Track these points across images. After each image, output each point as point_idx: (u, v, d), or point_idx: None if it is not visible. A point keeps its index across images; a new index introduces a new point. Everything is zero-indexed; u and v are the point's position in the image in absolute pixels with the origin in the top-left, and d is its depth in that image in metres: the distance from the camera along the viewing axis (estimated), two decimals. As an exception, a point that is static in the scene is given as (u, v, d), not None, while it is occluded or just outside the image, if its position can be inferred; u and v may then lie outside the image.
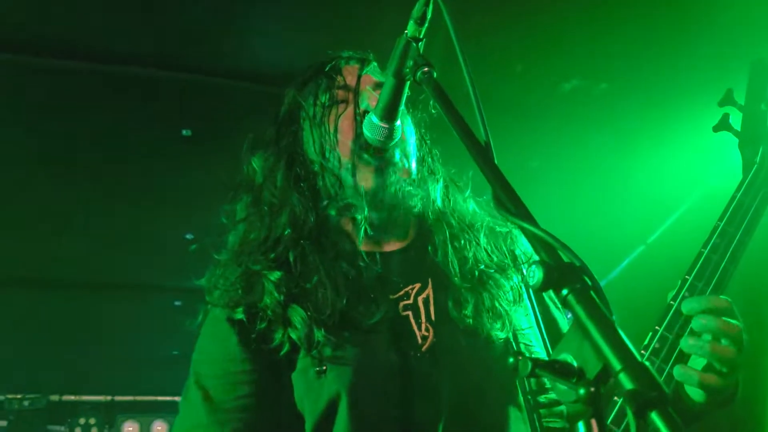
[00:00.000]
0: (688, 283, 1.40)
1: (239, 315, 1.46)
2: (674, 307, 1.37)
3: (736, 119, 1.64)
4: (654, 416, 0.66)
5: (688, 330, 1.32)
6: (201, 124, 3.67)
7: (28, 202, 4.08)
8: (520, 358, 0.75)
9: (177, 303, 4.58)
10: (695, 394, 1.34)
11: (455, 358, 1.44)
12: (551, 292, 1.66)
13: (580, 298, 0.78)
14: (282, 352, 1.42)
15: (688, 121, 3.67)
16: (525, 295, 1.58)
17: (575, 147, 4.10)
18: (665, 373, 1.34)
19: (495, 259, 1.60)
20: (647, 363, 0.70)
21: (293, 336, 1.41)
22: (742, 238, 1.44)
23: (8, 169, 3.82)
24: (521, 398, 1.45)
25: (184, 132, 3.68)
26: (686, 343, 1.30)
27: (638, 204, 4.43)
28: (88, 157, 3.84)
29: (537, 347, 1.51)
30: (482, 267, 1.56)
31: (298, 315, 1.42)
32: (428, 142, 1.71)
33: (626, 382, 0.69)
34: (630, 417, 0.68)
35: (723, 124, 1.60)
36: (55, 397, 5.58)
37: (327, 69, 1.62)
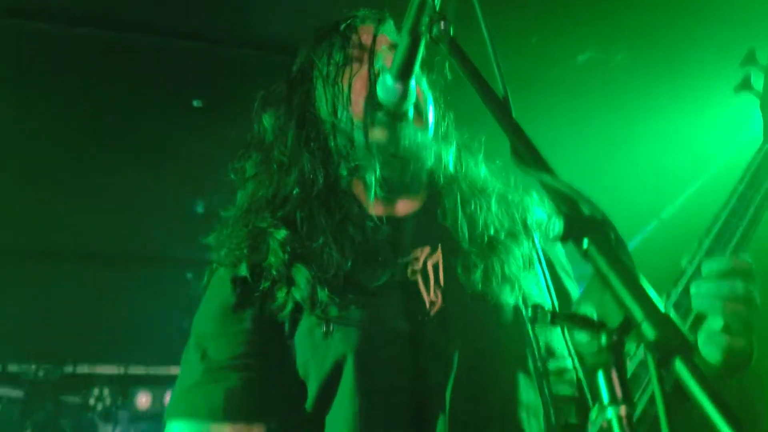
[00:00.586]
0: (706, 246, 1.36)
1: (243, 271, 1.44)
2: (690, 270, 1.33)
3: (759, 80, 1.60)
4: (678, 365, 0.64)
5: (702, 289, 1.29)
6: (212, 94, 3.65)
7: (39, 173, 4.09)
8: (539, 309, 0.74)
9: (189, 275, 4.60)
10: (712, 356, 1.31)
11: (464, 323, 1.43)
12: (563, 262, 1.66)
13: (601, 250, 0.76)
14: (285, 312, 1.41)
15: (706, 92, 3.62)
16: (536, 262, 1.56)
17: (590, 119, 4.05)
18: None
19: (506, 224, 1.58)
20: (670, 312, 0.68)
21: (297, 296, 1.40)
22: (762, 202, 1.39)
23: (17, 139, 3.82)
24: (530, 365, 1.44)
25: (194, 102, 3.66)
26: (699, 302, 1.27)
27: (655, 177, 4.38)
28: (99, 128, 3.84)
29: None
30: (492, 232, 1.54)
31: (302, 274, 1.41)
32: (442, 105, 1.68)
33: (649, 333, 0.67)
34: (651, 367, 0.67)
35: (744, 84, 1.56)
36: (69, 368, 5.64)
37: (342, 28, 1.60)
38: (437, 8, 1.27)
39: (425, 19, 1.26)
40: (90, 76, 3.45)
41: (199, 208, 4.38)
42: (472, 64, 1.11)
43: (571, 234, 0.77)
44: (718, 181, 4.31)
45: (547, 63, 3.74)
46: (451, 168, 1.62)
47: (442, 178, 1.61)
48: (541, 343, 1.45)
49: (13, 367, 5.48)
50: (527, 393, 1.41)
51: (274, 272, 1.42)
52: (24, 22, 3.05)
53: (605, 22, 3.48)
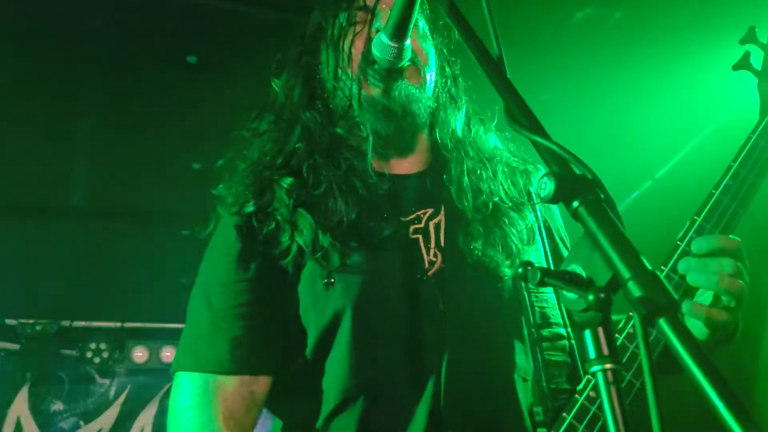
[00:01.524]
0: (697, 223, 1.39)
1: (249, 208, 1.48)
2: (681, 248, 1.37)
3: (758, 58, 1.60)
4: (662, 322, 0.66)
5: (692, 265, 1.32)
6: (206, 50, 3.62)
7: (34, 129, 4.06)
8: (529, 267, 0.75)
9: (184, 232, 4.61)
10: (698, 331, 1.35)
11: (461, 287, 1.46)
12: (561, 230, 1.69)
13: (591, 209, 0.77)
14: (288, 258, 1.44)
15: (705, 52, 3.59)
16: (537, 234, 1.59)
17: (586, 79, 4.02)
18: None
19: (511, 194, 1.60)
20: (657, 272, 0.70)
21: (299, 240, 1.43)
22: (755, 180, 1.42)
23: (14, 96, 3.79)
24: (525, 331, 1.47)
25: (189, 58, 3.62)
26: (693, 276, 1.30)
27: (650, 137, 4.38)
28: (93, 84, 3.81)
29: None
30: (497, 200, 1.56)
31: (305, 219, 1.44)
32: (453, 70, 1.70)
33: (635, 290, 0.69)
34: (637, 324, 0.69)
35: (743, 63, 1.56)
36: (66, 323, 5.68)
37: None
38: (433, -32, 1.26)
39: (421, -22, 1.25)
40: (82, 33, 3.40)
41: (195, 165, 4.37)
42: (468, 24, 1.11)
43: (561, 194, 0.79)
44: (712, 142, 4.32)
45: (543, 20, 3.71)
46: (459, 133, 1.64)
47: (449, 142, 1.62)
48: (537, 311, 1.48)
49: (10, 321, 5.53)
50: (520, 358, 1.44)
51: (279, 216, 1.45)
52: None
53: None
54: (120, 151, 4.30)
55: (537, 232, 1.60)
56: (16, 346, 5.54)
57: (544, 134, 0.89)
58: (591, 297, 0.71)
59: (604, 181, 0.83)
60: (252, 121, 1.66)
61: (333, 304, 1.39)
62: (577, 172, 0.83)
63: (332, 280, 1.41)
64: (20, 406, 5.51)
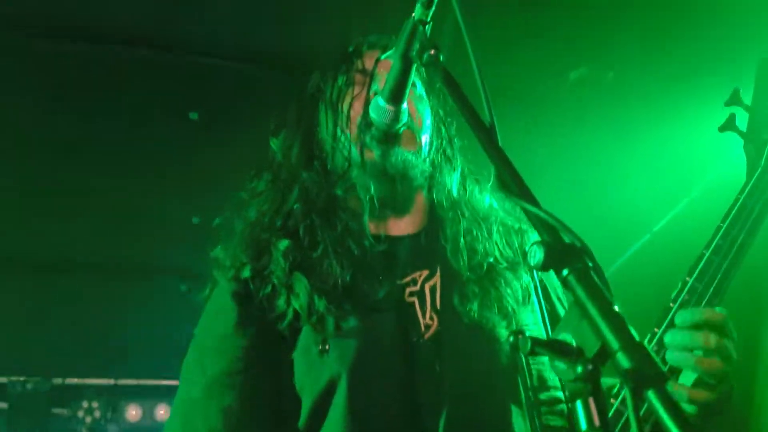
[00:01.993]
0: (689, 285, 1.38)
1: (246, 273, 1.48)
2: (674, 310, 1.35)
3: (742, 119, 1.62)
4: (650, 395, 0.66)
5: (675, 340, 1.30)
6: (208, 107, 3.68)
7: (34, 184, 4.09)
8: (520, 336, 0.76)
9: (182, 287, 4.60)
10: (686, 407, 1.34)
11: (458, 349, 1.45)
12: (558, 290, 1.69)
13: (580, 278, 0.78)
14: (285, 323, 1.43)
15: (696, 110, 3.66)
16: (533, 294, 1.58)
17: (581, 135, 4.08)
18: None
19: (506, 254, 1.60)
20: (645, 343, 0.70)
21: (295, 305, 1.42)
22: (745, 240, 1.42)
23: (12, 150, 3.83)
24: (522, 395, 1.46)
25: (191, 115, 3.69)
26: (673, 355, 1.28)
27: (646, 192, 4.42)
28: (95, 140, 3.86)
29: None
30: (492, 260, 1.56)
31: (301, 283, 1.44)
32: (449, 131, 1.72)
33: (623, 361, 0.69)
34: (627, 396, 0.69)
35: (729, 125, 1.58)
36: (58, 380, 5.60)
37: (349, 53, 1.66)
38: (428, 35, 1.30)
39: (416, 45, 1.29)
40: (88, 89, 3.47)
41: (195, 220, 4.39)
42: (461, 91, 1.14)
43: (551, 262, 0.80)
44: (709, 196, 4.35)
45: (538, 79, 3.78)
46: (454, 193, 1.65)
47: (444, 202, 1.64)
48: (534, 374, 1.47)
49: (1, 379, 5.44)
50: (518, 422, 1.42)
51: (275, 279, 1.45)
52: (23, 39, 3.07)
53: (597, 39, 3.52)
54: (118, 206, 4.32)
55: (533, 293, 1.59)
56: (4, 405, 5.44)
57: (534, 202, 0.91)
58: (579, 368, 0.71)
59: (602, 236, 0.84)
60: (250, 180, 1.68)
61: (328, 371, 1.38)
62: (567, 240, 0.84)
63: (327, 347, 1.40)
64: (9, 466, 5.39)
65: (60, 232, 4.46)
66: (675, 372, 1.33)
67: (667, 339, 1.30)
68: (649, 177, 4.31)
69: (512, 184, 0.95)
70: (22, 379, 5.42)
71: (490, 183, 1.69)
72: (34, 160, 3.94)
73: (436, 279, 1.53)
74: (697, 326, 1.28)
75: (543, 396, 1.45)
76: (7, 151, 3.83)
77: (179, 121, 3.76)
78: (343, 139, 1.57)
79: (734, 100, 1.59)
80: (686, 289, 1.37)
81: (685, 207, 4.57)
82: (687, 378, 1.31)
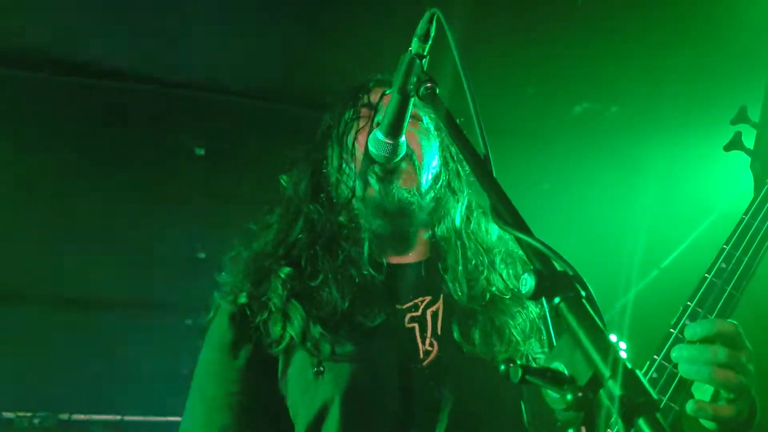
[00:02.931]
0: (690, 309, 1.32)
1: (242, 299, 1.50)
2: (674, 335, 1.30)
3: (749, 137, 1.58)
4: (641, 422, 0.66)
5: (684, 353, 1.25)
6: (214, 143, 3.73)
7: (38, 218, 4.13)
8: (512, 365, 0.75)
9: (188, 322, 4.59)
10: (706, 424, 1.29)
11: (457, 377, 1.44)
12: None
13: (572, 306, 0.78)
14: (280, 348, 1.44)
15: (701, 142, 3.66)
16: (542, 325, 1.57)
17: (586, 169, 4.10)
18: (663, 404, 1.26)
19: (511, 285, 1.60)
20: (636, 370, 0.70)
21: (291, 331, 1.44)
22: (750, 262, 1.35)
23: (17, 187, 3.87)
24: (527, 424, 1.44)
25: (197, 151, 3.73)
26: (686, 368, 1.24)
27: (652, 227, 4.40)
28: (101, 176, 3.90)
29: None
30: (495, 291, 1.56)
31: (297, 310, 1.46)
32: (456, 164, 1.73)
33: (614, 388, 0.69)
34: (619, 423, 0.68)
35: (735, 143, 1.52)
36: (64, 416, 5.58)
37: (356, 88, 1.70)
38: (425, 69, 1.32)
39: (413, 79, 1.31)
40: (93, 125, 3.53)
41: (201, 255, 4.41)
42: (456, 124, 1.15)
43: (542, 290, 0.80)
44: (716, 230, 4.33)
45: (543, 114, 3.81)
46: (458, 224, 1.66)
47: (448, 233, 1.64)
48: (537, 403, 1.45)
49: (7, 414, 5.44)
50: None
51: (272, 306, 1.47)
52: (30, 74, 3.14)
53: (601, 74, 3.56)
54: (123, 241, 4.35)
55: (542, 324, 1.58)
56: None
57: (527, 231, 0.91)
58: (569, 397, 0.71)
59: (607, 271, 0.84)
60: (264, 215, 1.72)
61: (322, 394, 1.38)
62: (559, 268, 0.84)
63: (322, 369, 1.40)
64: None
65: (68, 269, 4.48)
66: (685, 385, 1.27)
67: (673, 354, 1.26)
68: (656, 211, 4.30)
69: (506, 214, 0.95)
70: (29, 414, 5.41)
71: None
72: (33, 194, 3.97)
73: (439, 305, 1.53)
74: (707, 339, 1.24)
75: (548, 426, 1.43)
76: (10, 188, 3.87)
77: (186, 157, 3.80)
78: (347, 171, 1.60)
79: (741, 117, 1.54)
80: (687, 314, 1.32)
81: (696, 239, 4.54)
82: (703, 393, 1.26)
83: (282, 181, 1.74)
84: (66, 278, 4.57)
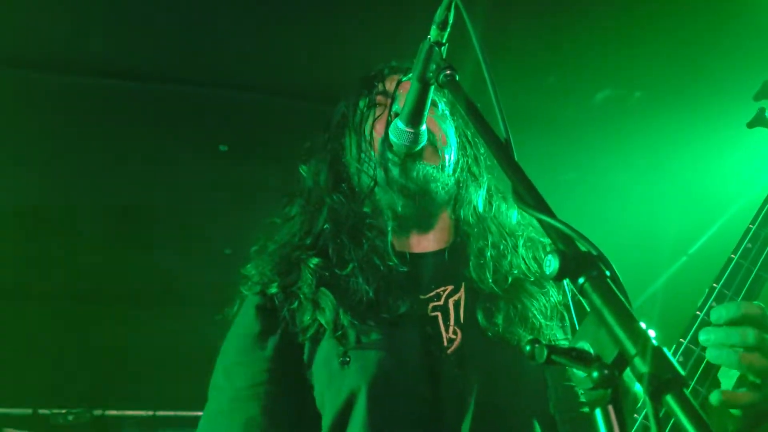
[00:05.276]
0: (716, 291, 1.29)
1: (272, 290, 1.52)
2: (700, 318, 1.28)
3: None
4: (669, 399, 0.65)
5: (712, 337, 1.23)
6: (238, 139, 3.76)
7: (70, 215, 4.19)
8: (537, 345, 0.75)
9: (218, 317, 4.64)
10: (733, 411, 1.27)
11: (481, 364, 1.44)
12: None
13: (596, 286, 0.78)
14: (307, 336, 1.46)
15: (728, 126, 3.61)
16: (564, 310, 1.57)
17: (610, 158, 4.05)
18: (690, 389, 1.24)
19: (533, 269, 1.60)
20: (663, 348, 0.70)
21: (321, 320, 1.45)
22: None
23: (45, 188, 3.94)
24: (552, 409, 1.44)
25: (221, 147, 3.77)
26: (713, 353, 1.22)
27: (677, 214, 4.34)
28: (127, 173, 3.95)
29: None
30: (517, 274, 1.56)
31: (327, 298, 1.47)
32: (475, 150, 1.74)
33: (641, 366, 0.68)
34: (647, 401, 0.68)
35: (758, 120, 1.49)
36: (98, 412, 5.69)
37: (370, 77, 1.72)
38: (444, 56, 1.32)
39: (432, 67, 1.32)
40: (118, 125, 3.57)
41: (227, 251, 4.44)
42: (476, 109, 1.15)
43: (566, 270, 0.80)
44: (745, 215, 4.25)
45: (564, 102, 3.78)
46: (480, 209, 1.67)
47: (471, 218, 1.65)
48: (563, 389, 1.45)
49: (43, 411, 5.56)
50: None
51: (302, 295, 1.49)
52: (54, 76, 3.19)
53: (623, 59, 3.51)
54: (153, 238, 4.40)
55: (563, 309, 1.58)
56: (50, 437, 5.56)
57: (550, 212, 0.91)
58: (596, 374, 0.71)
59: (634, 260, 0.83)
60: (283, 207, 1.74)
61: (348, 384, 1.39)
62: (583, 249, 0.84)
63: (348, 359, 1.41)
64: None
65: (99, 265, 4.55)
66: (712, 369, 1.25)
67: (701, 337, 1.24)
68: (682, 198, 4.24)
69: (528, 197, 0.95)
70: (63, 411, 5.52)
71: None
72: (64, 196, 4.03)
73: (461, 294, 1.54)
74: (733, 322, 1.22)
75: (573, 412, 1.43)
76: (40, 189, 3.94)
77: (210, 154, 3.84)
78: (366, 160, 1.62)
79: (764, 93, 1.51)
80: (713, 296, 1.30)
81: (720, 228, 4.47)
82: (728, 378, 1.25)
83: (302, 171, 1.75)
84: (99, 275, 4.64)
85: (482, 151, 1.76)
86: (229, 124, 3.66)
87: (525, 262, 1.61)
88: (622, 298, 0.77)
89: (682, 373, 0.68)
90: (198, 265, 4.55)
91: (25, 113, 3.42)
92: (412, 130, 1.48)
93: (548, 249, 1.64)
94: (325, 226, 1.61)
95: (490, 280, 1.54)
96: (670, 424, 1.14)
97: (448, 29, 1.33)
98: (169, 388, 5.48)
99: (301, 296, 1.49)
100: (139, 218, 4.28)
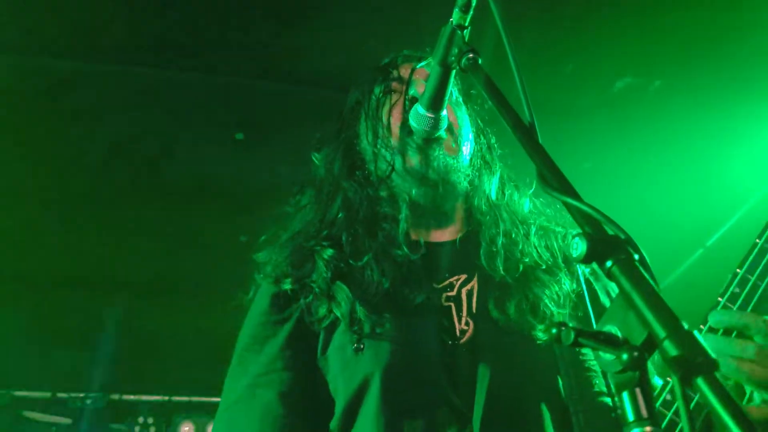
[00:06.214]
0: (739, 276, 1.25)
1: (286, 285, 1.50)
2: (721, 304, 1.24)
3: None
4: (700, 382, 0.64)
5: (710, 344, 1.18)
6: (252, 127, 3.76)
7: (89, 206, 4.23)
8: (563, 328, 0.75)
9: (232, 303, 4.66)
10: None
11: (494, 353, 1.43)
12: (607, 285, 1.64)
13: (624, 269, 0.77)
14: (321, 326, 1.45)
15: (748, 117, 3.56)
16: (576, 299, 1.56)
17: (629, 147, 4.02)
18: None
19: (545, 257, 1.59)
20: (693, 331, 0.69)
21: (336, 312, 1.45)
22: None
23: (68, 174, 3.98)
24: (564, 398, 1.43)
25: (236, 135, 3.77)
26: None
27: (695, 206, 4.30)
28: (143, 162, 3.97)
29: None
30: (528, 262, 1.55)
31: (342, 292, 1.46)
32: (488, 138, 1.72)
33: (671, 349, 0.67)
34: (676, 385, 0.67)
35: None
36: (115, 396, 5.76)
37: (385, 64, 1.69)
38: (466, 39, 1.31)
39: (454, 51, 1.30)
40: (134, 112, 3.59)
41: (242, 238, 4.46)
42: (500, 93, 1.14)
43: (594, 254, 0.79)
44: (762, 208, 4.21)
45: (583, 91, 3.75)
46: (493, 197, 1.65)
47: (483, 206, 1.64)
48: (578, 377, 1.44)
49: (61, 395, 5.64)
50: (556, 427, 1.40)
51: (317, 289, 1.48)
52: (68, 62, 3.21)
53: (643, 48, 3.47)
54: (168, 226, 4.42)
55: (575, 297, 1.56)
56: (68, 420, 5.63)
57: (576, 196, 0.90)
58: (625, 356, 0.70)
59: (651, 250, 0.83)
60: (294, 195, 1.72)
61: (362, 370, 1.39)
62: (610, 232, 0.83)
63: (362, 346, 1.41)
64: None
65: (112, 253, 4.59)
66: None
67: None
68: (700, 189, 4.20)
69: (553, 180, 0.94)
70: (81, 395, 5.60)
71: (532, 189, 1.69)
72: (85, 186, 4.06)
73: (473, 283, 1.53)
74: (734, 330, 1.18)
75: (587, 401, 1.42)
76: (61, 176, 3.97)
77: (225, 142, 3.85)
78: (383, 146, 1.59)
79: None
80: (736, 281, 1.26)
81: (741, 219, 4.43)
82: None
83: (314, 159, 1.73)
84: (115, 263, 4.68)
85: (494, 140, 1.75)
86: (246, 113, 3.66)
87: (537, 250, 1.59)
88: (651, 282, 0.76)
89: (713, 356, 0.67)
90: (214, 253, 4.57)
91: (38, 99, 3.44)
92: (432, 115, 1.46)
93: (560, 238, 1.65)
94: (339, 215, 1.59)
95: (502, 269, 1.53)
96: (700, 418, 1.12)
97: (471, 12, 1.31)
98: (184, 374, 5.54)
99: (317, 289, 1.48)
100: (150, 209, 4.29)
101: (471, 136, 1.64)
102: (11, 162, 3.79)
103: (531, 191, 1.71)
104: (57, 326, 4.93)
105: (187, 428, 5.83)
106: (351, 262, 1.50)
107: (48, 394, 5.70)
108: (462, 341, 1.44)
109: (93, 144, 3.78)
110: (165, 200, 4.22)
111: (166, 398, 5.87)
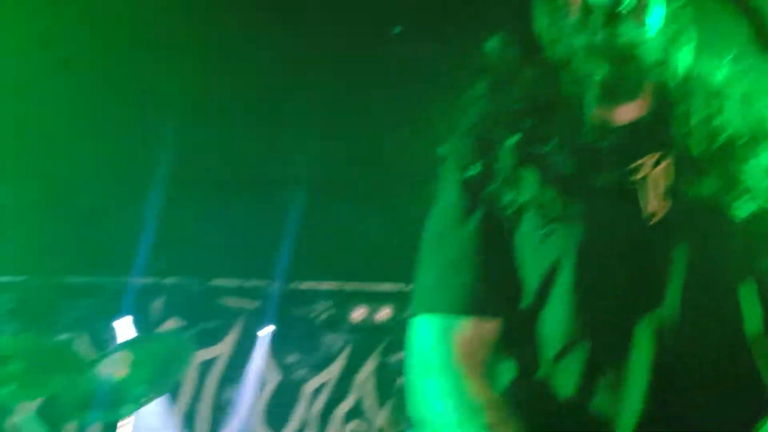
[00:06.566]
0: None
1: (472, 171, 1.55)
2: None
3: None
4: None
5: None
6: (412, 20, 3.72)
7: (244, 107, 4.41)
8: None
9: (419, 196, 4.76)
10: None
11: (687, 234, 1.41)
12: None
13: None
14: (511, 211, 1.49)
15: None
16: None
17: None
18: None
19: (750, 126, 1.50)
20: None
21: (524, 197, 1.48)
22: None
23: (218, 74, 4.15)
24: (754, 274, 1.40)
25: (395, 29, 3.76)
26: None
27: None
28: (305, 67, 4.09)
29: None
30: (725, 136, 1.48)
31: (530, 176, 1.48)
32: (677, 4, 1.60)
33: None
34: None
35: None
36: (295, 285, 6.39)
37: None
38: None
39: None
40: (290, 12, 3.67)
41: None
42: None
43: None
44: None
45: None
46: (685, 69, 1.58)
47: (674, 80, 1.57)
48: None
49: (251, 283, 6.33)
50: (750, 307, 1.38)
51: (504, 174, 1.51)
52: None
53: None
54: (344, 131, 4.55)
55: None
56: (255, 304, 6.40)
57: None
58: None
59: None
60: (468, 86, 1.71)
61: (552, 253, 1.43)
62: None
63: (551, 230, 1.44)
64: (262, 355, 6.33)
65: (285, 148, 4.82)
66: None
67: None
68: None
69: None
70: (265, 282, 6.26)
71: (730, 56, 1.58)
72: (239, 85, 4.22)
73: (666, 162, 1.49)
74: None
75: None
76: (212, 78, 4.15)
77: (383, 35, 3.84)
78: (563, 25, 1.55)
79: None
80: None
81: None
82: None
83: (487, 49, 1.71)
84: (285, 160, 4.94)
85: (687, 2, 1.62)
86: (405, 5, 3.61)
87: (736, 121, 1.51)
88: None
89: None
90: (374, 154, 4.67)
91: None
92: (614, -12, 1.40)
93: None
94: (519, 102, 1.59)
95: (697, 145, 1.47)
96: None
97: None
98: (357, 263, 5.93)
99: (504, 175, 1.51)
100: (317, 106, 4.41)
101: (661, 3, 1.54)
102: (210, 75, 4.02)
103: (729, 58, 1.59)
104: (248, 220, 5.35)
105: (361, 311, 6.34)
106: (536, 147, 1.50)
107: (237, 282, 6.40)
108: (654, 221, 1.42)
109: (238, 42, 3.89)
110: (324, 92, 4.28)
111: (341, 285, 6.38)
